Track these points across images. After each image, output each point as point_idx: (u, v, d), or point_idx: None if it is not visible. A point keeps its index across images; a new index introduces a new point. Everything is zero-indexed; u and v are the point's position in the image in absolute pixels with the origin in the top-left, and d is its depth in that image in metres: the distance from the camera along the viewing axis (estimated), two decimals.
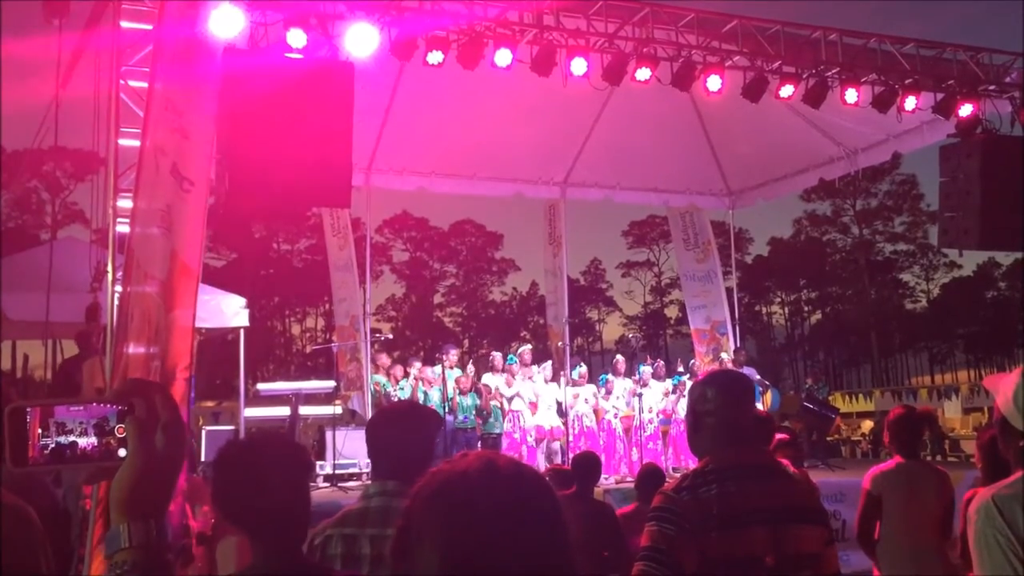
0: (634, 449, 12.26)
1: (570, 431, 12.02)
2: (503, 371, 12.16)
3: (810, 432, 13.11)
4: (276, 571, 2.08)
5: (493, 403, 11.60)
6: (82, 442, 1.22)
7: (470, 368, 12.31)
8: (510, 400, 11.78)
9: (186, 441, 1.24)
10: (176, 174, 7.11)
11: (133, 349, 6.67)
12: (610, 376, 12.79)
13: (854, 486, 5.84)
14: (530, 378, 12.21)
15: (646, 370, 12.83)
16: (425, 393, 11.26)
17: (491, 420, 11.45)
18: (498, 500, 1.07)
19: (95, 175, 9.58)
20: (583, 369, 12.80)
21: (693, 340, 16.07)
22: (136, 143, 7.30)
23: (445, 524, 1.06)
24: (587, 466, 6.33)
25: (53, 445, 1.21)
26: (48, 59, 7.89)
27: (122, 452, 1.21)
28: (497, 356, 12.70)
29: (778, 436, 6.11)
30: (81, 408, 1.23)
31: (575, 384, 12.51)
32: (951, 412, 28.35)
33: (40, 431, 1.21)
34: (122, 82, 7.69)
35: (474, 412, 11.41)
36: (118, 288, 7.06)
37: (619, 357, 13.60)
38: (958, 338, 62.64)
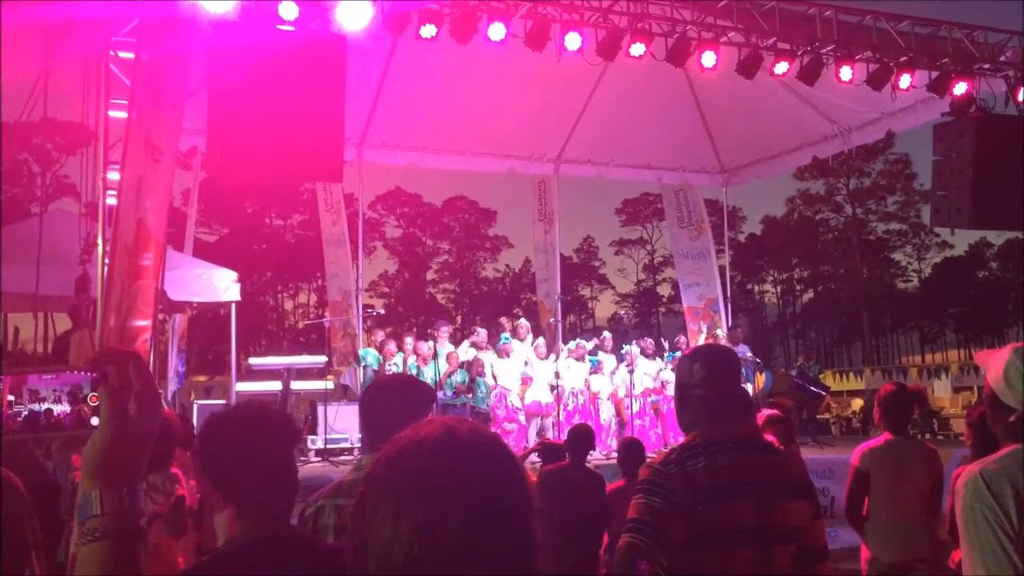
0: (620, 425, 12.30)
1: (561, 407, 12.05)
2: (487, 347, 12.18)
3: (800, 409, 13.16)
4: (263, 539, 2.08)
5: (482, 380, 11.60)
6: (56, 409, 1.22)
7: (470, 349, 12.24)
8: (495, 376, 11.81)
9: (159, 410, 1.23)
10: (148, 144, 7.09)
11: (114, 322, 6.67)
12: (600, 357, 12.80)
13: (843, 463, 5.88)
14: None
15: (634, 349, 12.84)
16: (418, 368, 11.26)
17: (479, 395, 11.46)
18: (453, 466, 1.07)
19: (86, 148, 9.52)
20: (581, 343, 12.82)
21: (686, 318, 16.09)
22: (125, 115, 7.27)
23: (399, 488, 1.06)
24: (580, 437, 6.37)
25: (27, 412, 1.21)
26: (36, 30, 7.82)
27: (95, 420, 1.20)
28: (482, 333, 12.69)
29: (768, 412, 6.13)
30: (54, 376, 1.22)
31: (571, 355, 12.56)
32: (941, 391, 28.51)
33: (12, 398, 1.20)
34: (112, 53, 7.63)
35: (464, 387, 11.42)
36: (107, 261, 7.05)
37: (607, 334, 13.61)
38: (949, 318, 62.94)
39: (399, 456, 1.10)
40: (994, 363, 2.34)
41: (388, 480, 1.08)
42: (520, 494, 1.10)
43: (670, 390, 12.41)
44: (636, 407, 12.34)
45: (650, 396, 12.70)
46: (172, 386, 12.23)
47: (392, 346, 11.94)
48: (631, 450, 6.63)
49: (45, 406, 1.22)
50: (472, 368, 11.54)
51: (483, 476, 1.08)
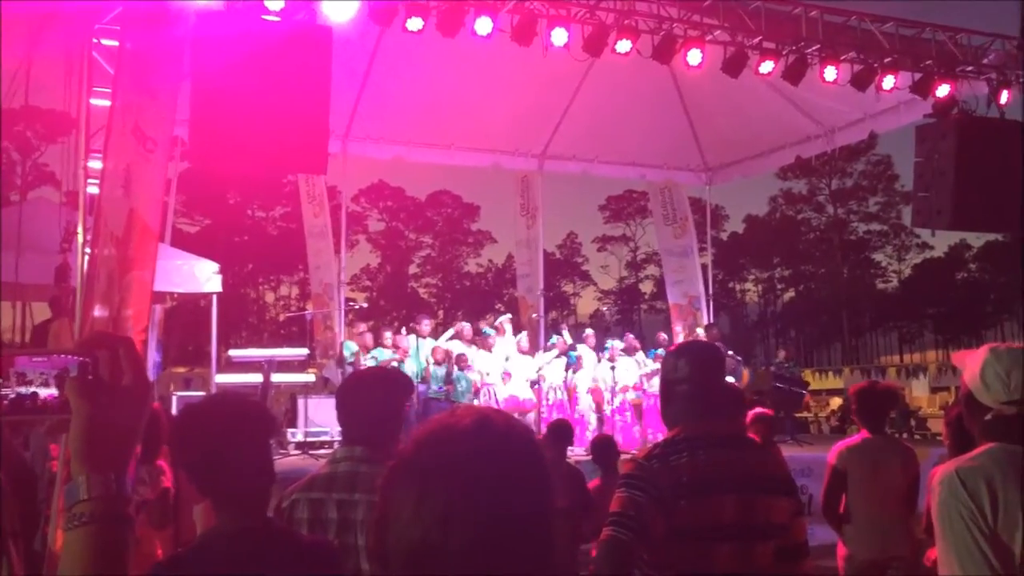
0: (600, 422, 12.34)
1: (542, 403, 12.08)
2: (472, 342, 12.18)
3: (778, 408, 13.26)
4: (240, 532, 2.07)
5: (469, 374, 11.59)
6: (43, 393, 1.21)
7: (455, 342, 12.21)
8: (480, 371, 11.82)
9: (149, 397, 1.23)
10: (138, 133, 7.04)
11: (99, 311, 6.62)
12: (579, 352, 12.83)
13: (821, 461, 5.90)
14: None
15: (616, 344, 12.89)
16: (400, 362, 11.24)
17: (459, 390, 11.44)
18: (482, 457, 1.08)
19: (67, 136, 9.44)
20: (561, 339, 12.85)
21: (671, 315, 16.16)
22: (108, 103, 7.22)
23: (426, 471, 1.08)
24: (560, 433, 6.39)
25: (13, 395, 1.20)
26: (18, 16, 7.74)
27: None
28: (466, 327, 12.69)
29: (760, 410, 6.19)
30: (44, 359, 1.21)
31: (548, 350, 12.60)
32: (919, 391, 28.75)
33: (0, 381, 1.19)
34: (95, 41, 7.56)
35: (444, 381, 11.41)
36: (88, 250, 7.00)
37: (589, 331, 13.67)
38: (927, 318, 63.38)
39: (430, 439, 1.11)
40: (971, 363, 2.37)
41: (416, 461, 1.09)
42: (541, 490, 1.11)
43: (651, 387, 12.48)
44: (617, 402, 12.39)
45: (628, 392, 12.73)
46: (150, 377, 12.14)
47: (369, 339, 11.91)
48: (604, 447, 6.67)
49: (31, 389, 1.21)
50: (453, 362, 11.52)
51: (509, 470, 1.08)
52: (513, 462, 1.09)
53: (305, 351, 12.78)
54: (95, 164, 7.32)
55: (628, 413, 12.63)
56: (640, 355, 13.22)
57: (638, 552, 2.47)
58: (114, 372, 1.20)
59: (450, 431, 1.11)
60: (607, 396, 12.42)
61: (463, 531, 1.03)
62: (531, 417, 12.08)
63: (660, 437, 2.82)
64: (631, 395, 12.77)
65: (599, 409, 12.58)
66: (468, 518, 1.04)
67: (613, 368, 12.31)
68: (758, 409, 6.31)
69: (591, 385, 12.61)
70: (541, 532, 1.09)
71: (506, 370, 12.16)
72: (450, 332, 12.36)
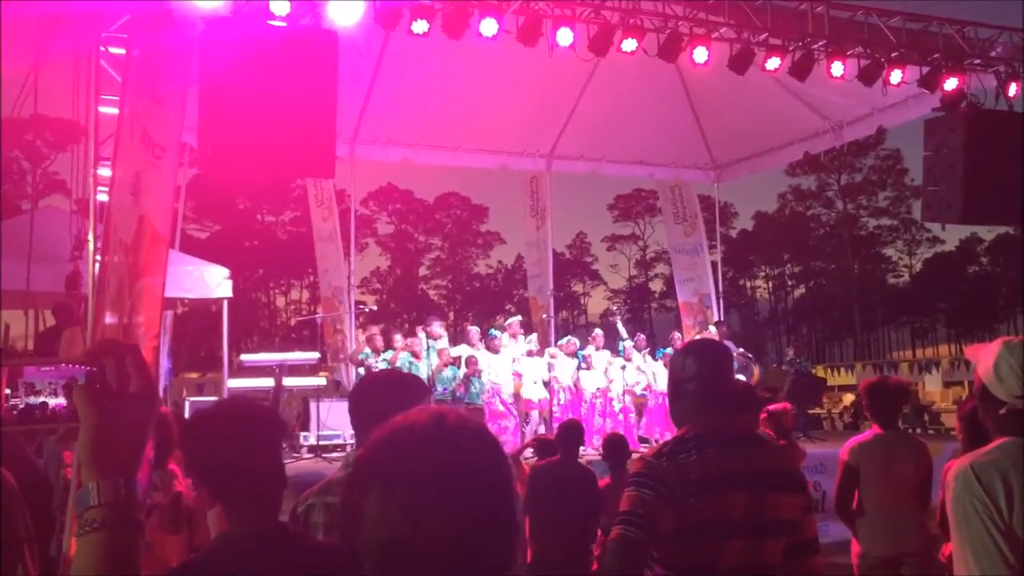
0: (607, 420, 12.33)
1: (553, 403, 12.08)
2: (479, 344, 12.19)
3: (796, 404, 13.24)
4: (251, 536, 2.07)
5: (476, 377, 11.60)
6: (52, 402, 1.22)
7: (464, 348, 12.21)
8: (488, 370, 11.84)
9: (156, 403, 1.24)
10: (146, 140, 7.06)
11: (110, 319, 6.64)
12: (588, 352, 12.83)
13: (835, 457, 5.88)
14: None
15: (628, 345, 12.90)
16: (411, 363, 11.24)
17: (472, 392, 11.45)
18: (439, 452, 1.11)
19: (76, 144, 9.49)
20: (572, 340, 12.84)
21: (681, 313, 16.15)
22: (116, 111, 7.25)
23: (388, 471, 1.11)
24: (570, 433, 6.34)
25: (23, 405, 1.21)
26: (26, 26, 7.79)
27: None
28: (474, 331, 12.71)
29: (776, 406, 6.18)
30: (52, 368, 1.22)
31: (561, 349, 12.60)
32: (931, 386, 28.64)
33: (9, 391, 1.20)
34: (102, 49, 7.59)
35: (453, 384, 11.41)
36: (99, 257, 7.02)
37: (597, 331, 13.67)
38: (939, 312, 63.16)
39: (389, 440, 1.14)
40: (984, 357, 2.35)
41: (378, 462, 1.13)
42: (501, 483, 1.14)
43: (658, 385, 12.48)
44: (627, 401, 12.39)
45: (637, 387, 12.74)
46: (162, 383, 12.19)
47: (379, 342, 11.92)
48: (615, 445, 6.62)
49: (40, 399, 1.22)
50: (467, 366, 11.52)
51: (467, 463, 1.12)
52: (470, 458, 1.13)
53: (316, 355, 12.81)
54: (104, 172, 7.35)
55: (632, 414, 12.62)
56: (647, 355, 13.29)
57: (647, 550, 2.47)
58: (121, 379, 1.21)
59: (407, 431, 1.14)
60: (617, 396, 12.41)
61: (428, 528, 1.07)
62: (535, 414, 12.10)
63: (667, 436, 2.82)
64: (638, 389, 12.78)
65: (606, 408, 12.56)
66: (432, 514, 1.07)
67: (624, 368, 12.30)
68: (775, 405, 6.30)
69: (601, 385, 12.59)
70: (503, 519, 1.12)
71: (516, 371, 12.16)
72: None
